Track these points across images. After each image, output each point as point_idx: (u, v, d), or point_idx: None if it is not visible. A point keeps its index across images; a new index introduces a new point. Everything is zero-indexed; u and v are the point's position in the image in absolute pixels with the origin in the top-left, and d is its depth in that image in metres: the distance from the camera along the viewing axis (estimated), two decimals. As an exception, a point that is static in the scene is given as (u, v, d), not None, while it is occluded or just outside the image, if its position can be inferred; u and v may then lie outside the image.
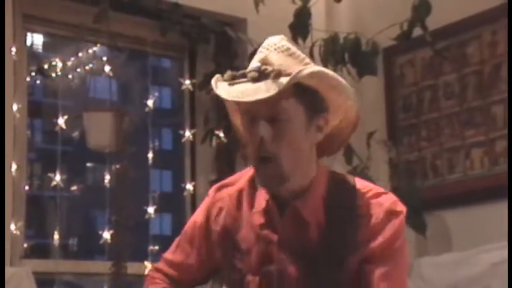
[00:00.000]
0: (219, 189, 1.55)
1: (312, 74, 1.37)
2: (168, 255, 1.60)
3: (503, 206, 2.52)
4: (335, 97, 1.43)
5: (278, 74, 1.35)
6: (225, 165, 2.87)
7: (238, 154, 2.82)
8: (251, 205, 1.48)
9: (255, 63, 1.39)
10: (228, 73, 1.40)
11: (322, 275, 1.38)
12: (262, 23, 2.82)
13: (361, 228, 1.40)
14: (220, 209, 1.52)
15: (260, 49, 1.43)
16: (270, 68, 1.36)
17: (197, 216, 1.57)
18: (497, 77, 2.61)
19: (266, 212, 1.45)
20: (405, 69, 2.92)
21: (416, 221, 2.56)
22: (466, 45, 2.71)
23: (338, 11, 3.08)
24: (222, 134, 2.88)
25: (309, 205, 1.42)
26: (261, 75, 1.36)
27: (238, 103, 1.42)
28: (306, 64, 1.41)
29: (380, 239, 1.39)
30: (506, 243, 2.36)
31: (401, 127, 2.91)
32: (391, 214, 1.41)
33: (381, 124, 2.94)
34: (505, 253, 2.32)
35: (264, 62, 1.38)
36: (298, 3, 2.78)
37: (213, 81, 1.42)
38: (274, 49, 1.41)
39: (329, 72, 1.42)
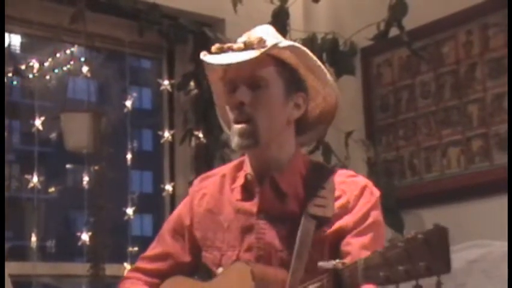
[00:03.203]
0: (203, 179, 1.60)
1: (292, 47, 1.45)
2: (147, 252, 1.61)
3: (479, 205, 2.55)
4: (313, 80, 1.49)
5: (261, 42, 1.42)
6: (204, 166, 2.86)
7: (217, 154, 2.82)
8: (232, 185, 1.53)
9: (244, 37, 1.46)
10: (216, 45, 1.47)
11: (299, 243, 1.41)
12: (240, 23, 2.82)
13: (337, 201, 1.45)
14: (204, 194, 1.56)
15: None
16: (253, 39, 1.43)
17: (180, 207, 1.61)
18: (472, 77, 2.64)
19: (245, 187, 1.50)
20: (382, 69, 2.95)
21: (393, 219, 2.58)
22: (442, 45, 2.74)
23: (316, 11, 3.10)
24: (201, 135, 2.88)
25: (287, 178, 1.47)
26: (246, 47, 1.43)
27: (224, 73, 1.48)
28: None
29: (357, 212, 1.44)
30: (482, 241, 2.39)
31: (379, 126, 2.93)
32: (366, 191, 1.47)
33: (359, 123, 2.95)
34: (480, 251, 2.35)
35: (250, 35, 1.45)
36: (277, 3, 2.79)
37: (201, 55, 1.47)
38: (261, 30, 1.49)
39: (309, 52, 1.48)
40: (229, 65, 1.44)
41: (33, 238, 2.65)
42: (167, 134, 2.93)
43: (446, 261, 1.06)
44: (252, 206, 1.47)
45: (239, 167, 1.54)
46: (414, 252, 1.08)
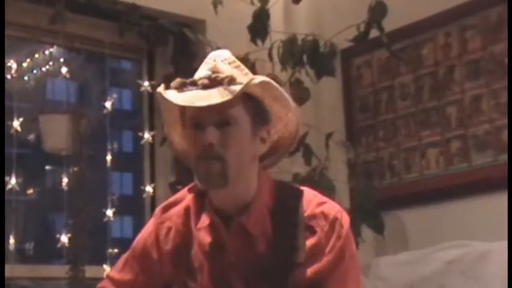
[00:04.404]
0: (165, 209, 1.54)
1: (262, 83, 1.40)
2: (115, 274, 1.57)
3: (458, 205, 2.57)
4: (277, 109, 1.45)
5: (232, 81, 1.37)
6: (184, 167, 2.85)
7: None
8: (198, 222, 1.47)
9: (204, 71, 1.40)
10: (177, 80, 1.40)
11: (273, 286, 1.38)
12: (221, 25, 2.82)
13: (308, 240, 1.41)
14: (169, 229, 1.51)
15: (207, 60, 1.44)
16: (221, 76, 1.38)
17: (145, 236, 1.55)
18: (451, 79, 2.67)
19: (212, 228, 1.44)
20: (362, 70, 2.96)
21: (373, 220, 2.59)
22: (421, 47, 2.76)
23: (296, 13, 3.11)
24: (181, 136, 2.87)
25: (253, 218, 1.42)
26: (212, 83, 1.38)
27: (183, 110, 1.42)
28: (251, 76, 1.42)
29: (330, 251, 1.40)
30: (459, 242, 2.41)
31: (359, 128, 2.94)
32: (337, 225, 1.42)
33: (340, 125, 2.96)
34: (458, 252, 2.37)
35: (214, 70, 1.39)
36: (257, 4, 2.79)
37: (159, 89, 1.40)
38: (221, 60, 1.43)
39: (274, 83, 1.43)
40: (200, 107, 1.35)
41: (12, 240, 2.62)
42: (147, 136, 2.91)
43: None
44: (221, 253, 1.43)
45: (201, 198, 1.48)
46: None
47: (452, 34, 2.66)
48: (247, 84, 1.37)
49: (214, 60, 1.43)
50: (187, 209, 1.50)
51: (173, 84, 1.40)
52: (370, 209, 2.57)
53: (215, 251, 1.44)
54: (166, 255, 1.50)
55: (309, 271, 1.39)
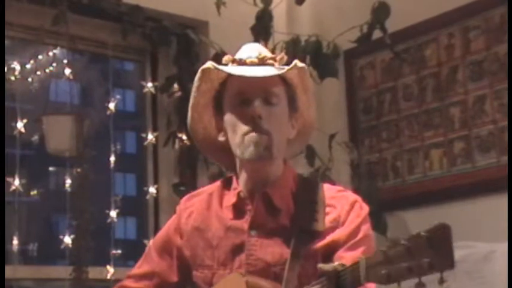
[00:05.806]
0: (190, 198, 1.60)
1: (303, 69, 1.48)
2: (134, 271, 1.61)
3: (461, 206, 2.57)
4: (304, 101, 1.52)
5: (282, 60, 1.47)
6: (187, 168, 2.86)
7: (201, 157, 2.81)
8: (221, 203, 1.53)
9: (251, 52, 1.48)
10: (228, 57, 1.48)
11: (292, 256, 1.42)
12: (224, 26, 2.83)
13: (328, 215, 1.46)
14: (191, 212, 1.56)
15: (248, 46, 1.52)
16: (269, 55, 1.47)
17: (167, 227, 1.61)
18: (454, 79, 2.67)
19: (236, 206, 1.50)
20: (365, 71, 2.96)
21: (377, 221, 2.58)
22: (424, 48, 2.76)
23: (299, 14, 3.11)
24: (184, 137, 2.87)
25: (279, 193, 1.49)
26: (260, 62, 1.46)
27: (218, 94, 1.49)
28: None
29: (348, 226, 1.46)
30: (464, 242, 2.41)
31: (362, 129, 2.94)
32: (356, 205, 1.49)
33: (343, 126, 2.97)
34: (462, 252, 2.36)
35: (260, 52, 1.48)
36: (260, 5, 2.80)
37: (208, 64, 1.46)
38: (258, 48, 1.52)
39: (308, 74, 1.52)
40: (249, 78, 1.43)
41: (15, 241, 2.63)
42: (150, 137, 2.92)
43: (449, 258, 1.08)
44: (243, 223, 1.48)
45: (226, 185, 1.54)
46: (417, 250, 1.09)
47: (455, 35, 2.66)
48: (295, 65, 1.44)
49: (253, 48, 1.51)
50: (210, 195, 1.56)
51: (224, 60, 1.48)
52: (373, 210, 2.53)
53: (236, 223, 1.48)
54: (185, 236, 1.54)
55: (326, 239, 1.44)
